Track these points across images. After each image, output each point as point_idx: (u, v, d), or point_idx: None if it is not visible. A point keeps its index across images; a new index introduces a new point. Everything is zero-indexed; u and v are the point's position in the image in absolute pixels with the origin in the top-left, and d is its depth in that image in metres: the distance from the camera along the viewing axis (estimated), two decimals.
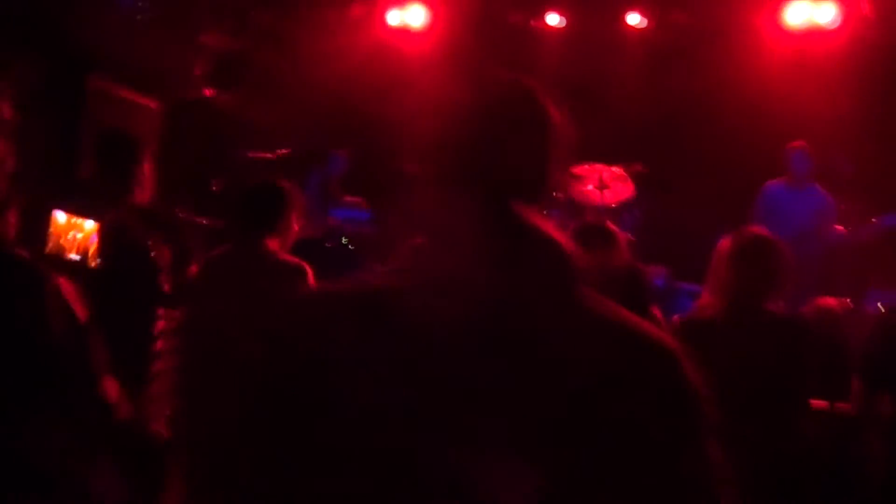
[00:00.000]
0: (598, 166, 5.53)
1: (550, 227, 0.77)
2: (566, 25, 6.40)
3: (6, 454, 1.37)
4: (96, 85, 4.57)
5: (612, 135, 5.90)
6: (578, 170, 5.57)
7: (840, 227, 4.76)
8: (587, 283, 0.79)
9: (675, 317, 2.72)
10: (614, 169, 5.52)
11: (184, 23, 4.71)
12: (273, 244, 2.74)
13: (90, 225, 2.69)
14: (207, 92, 4.29)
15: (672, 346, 0.78)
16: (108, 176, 2.65)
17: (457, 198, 0.76)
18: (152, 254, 2.49)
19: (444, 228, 0.76)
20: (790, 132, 5.05)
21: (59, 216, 2.76)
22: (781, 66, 5.65)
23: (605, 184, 5.44)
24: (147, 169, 2.62)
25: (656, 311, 2.47)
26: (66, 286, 1.52)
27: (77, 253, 2.75)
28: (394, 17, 6.19)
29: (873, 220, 4.55)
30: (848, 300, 3.20)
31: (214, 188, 4.60)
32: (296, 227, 2.85)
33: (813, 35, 5.63)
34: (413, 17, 6.18)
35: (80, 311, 1.53)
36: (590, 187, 5.48)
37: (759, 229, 2.76)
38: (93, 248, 2.66)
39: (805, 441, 2.40)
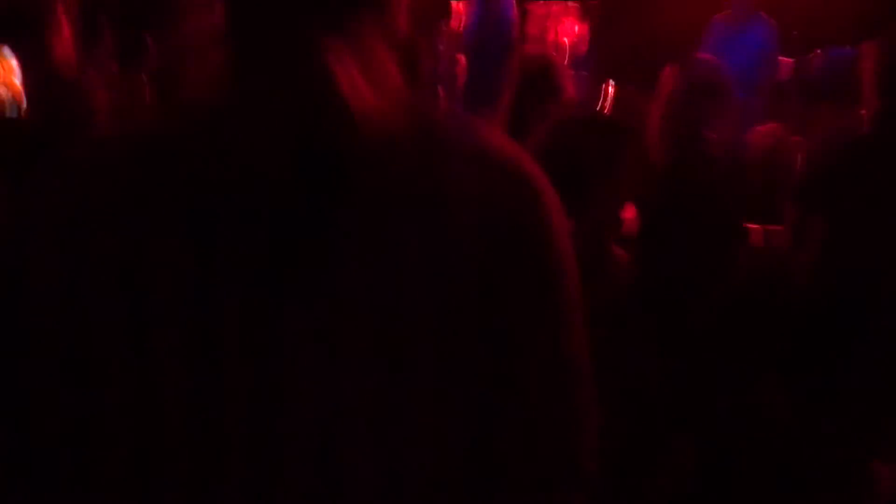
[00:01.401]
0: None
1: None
2: None
3: None
4: None
5: None
6: (532, 6, 5.44)
7: (786, 59, 4.77)
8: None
9: None
10: (570, 4, 5.42)
11: None
12: None
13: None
14: None
15: (532, 178, 0.61)
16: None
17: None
18: (87, 93, 2.29)
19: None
20: None
21: None
22: None
23: (558, 18, 5.35)
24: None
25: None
26: None
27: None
28: None
29: (818, 51, 4.54)
30: (791, 130, 3.24)
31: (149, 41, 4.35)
32: None
33: None
34: None
35: None
36: (544, 22, 5.38)
37: (705, 60, 2.75)
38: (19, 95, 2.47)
39: (739, 279, 2.51)
